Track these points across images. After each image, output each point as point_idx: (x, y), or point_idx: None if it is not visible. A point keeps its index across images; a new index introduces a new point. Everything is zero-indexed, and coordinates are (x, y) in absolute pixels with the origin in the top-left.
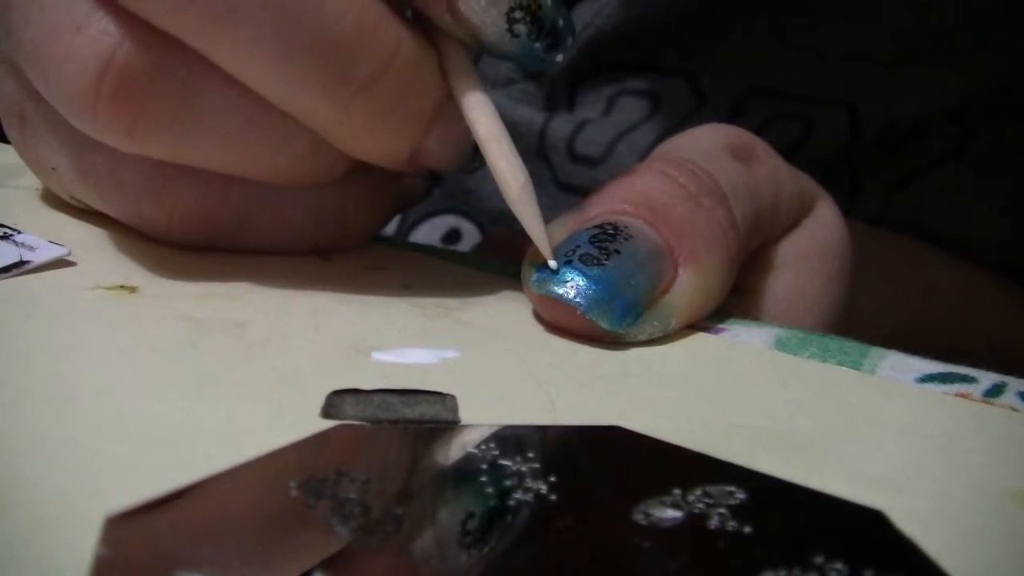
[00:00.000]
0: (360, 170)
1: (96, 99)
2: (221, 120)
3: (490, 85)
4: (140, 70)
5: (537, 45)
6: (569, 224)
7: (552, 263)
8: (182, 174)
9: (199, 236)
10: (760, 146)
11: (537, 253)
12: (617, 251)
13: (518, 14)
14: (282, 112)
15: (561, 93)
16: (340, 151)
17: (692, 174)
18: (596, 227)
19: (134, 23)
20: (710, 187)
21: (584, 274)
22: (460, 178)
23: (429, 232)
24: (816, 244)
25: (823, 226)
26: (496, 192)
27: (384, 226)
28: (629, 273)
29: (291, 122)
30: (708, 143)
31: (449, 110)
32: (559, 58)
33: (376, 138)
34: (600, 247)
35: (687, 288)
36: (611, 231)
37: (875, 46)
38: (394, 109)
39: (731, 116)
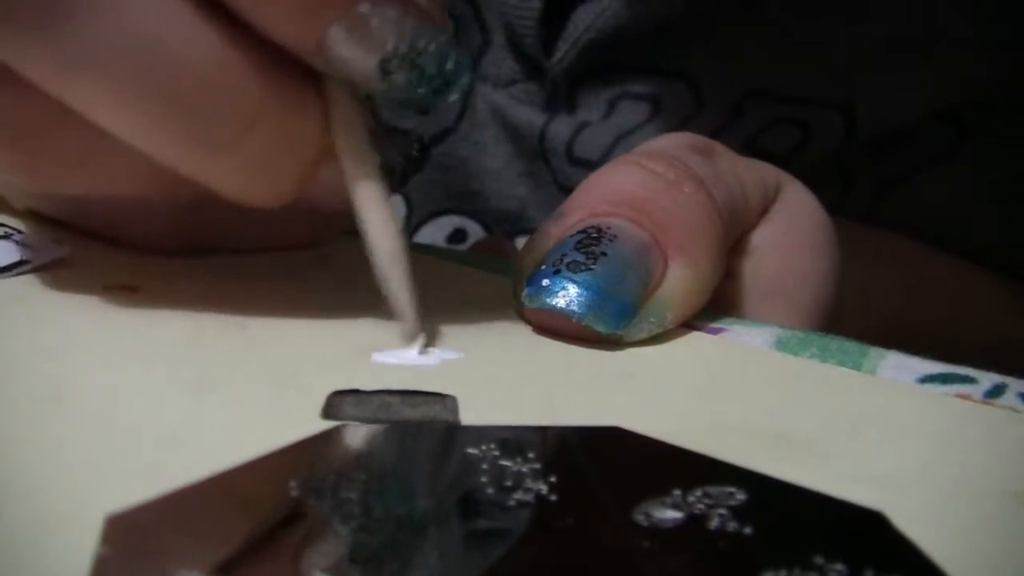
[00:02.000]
0: (332, 159)
1: None
2: (121, 157)
3: (491, 85)
4: (25, 118)
5: (421, 91)
6: (552, 233)
7: (416, 342)
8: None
9: (179, 248)
10: (717, 145)
11: (526, 268)
12: (604, 253)
13: (394, 64)
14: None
15: (562, 94)
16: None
17: (668, 163)
18: (579, 232)
19: (9, 72)
20: (687, 173)
21: (574, 281)
22: (465, 179)
23: (435, 231)
24: (793, 222)
25: (796, 205)
26: (500, 193)
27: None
28: (619, 274)
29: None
30: (670, 143)
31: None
32: (452, 98)
33: (246, 191)
34: (586, 252)
35: (679, 280)
36: (595, 234)
37: (871, 48)
38: (264, 164)
39: (730, 119)
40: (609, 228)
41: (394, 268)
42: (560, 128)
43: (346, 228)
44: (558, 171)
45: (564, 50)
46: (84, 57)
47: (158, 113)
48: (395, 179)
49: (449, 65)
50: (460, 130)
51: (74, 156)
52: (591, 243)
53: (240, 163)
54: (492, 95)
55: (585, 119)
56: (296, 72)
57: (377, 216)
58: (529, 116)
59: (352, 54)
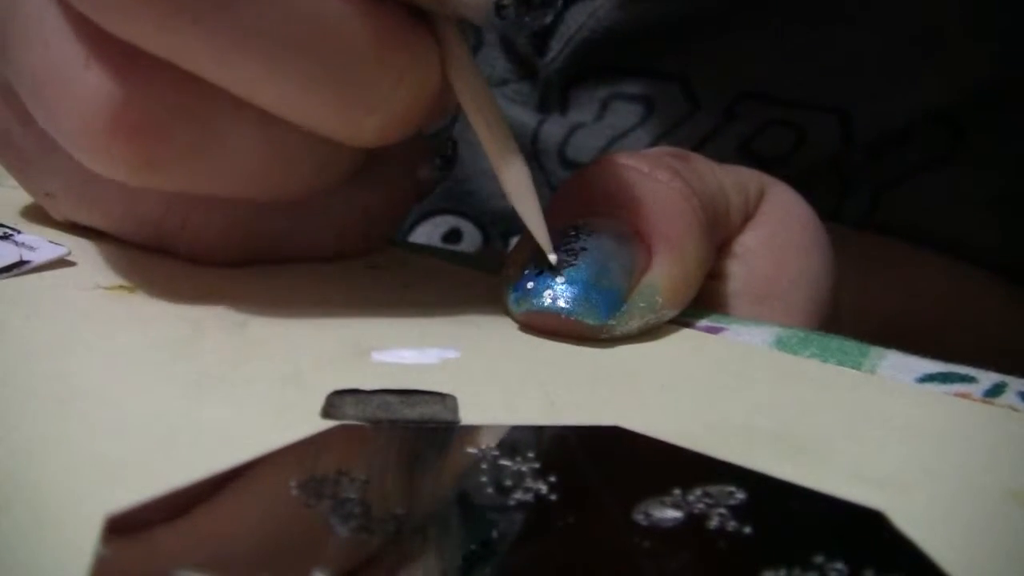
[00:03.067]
0: (376, 177)
1: (110, 138)
2: (238, 149)
3: None
4: (155, 107)
5: (526, 20)
6: (533, 240)
7: (553, 259)
8: (204, 207)
9: (225, 262)
10: (692, 153)
11: (511, 276)
12: (584, 248)
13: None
14: (298, 132)
15: (554, 94)
16: (353, 160)
17: (642, 157)
18: (558, 234)
19: (143, 58)
20: (661, 164)
21: (557, 279)
22: (460, 179)
23: (430, 231)
24: (781, 223)
25: (782, 206)
26: (495, 193)
27: (402, 222)
28: (601, 265)
29: (307, 144)
30: (646, 151)
31: (445, 93)
32: (548, 20)
33: (385, 138)
34: (567, 250)
35: (664, 265)
36: (573, 233)
37: (867, 51)
38: (406, 114)
39: (724, 121)
40: (587, 224)
41: (523, 193)
42: (553, 129)
43: (392, 236)
44: (551, 173)
45: (557, 50)
46: (245, 39)
47: (316, 84)
48: (433, 182)
49: None
50: (454, 131)
51: (190, 149)
52: (571, 241)
53: (387, 119)
54: None
55: (578, 120)
56: (411, 19)
57: (501, 146)
58: (522, 117)
59: None
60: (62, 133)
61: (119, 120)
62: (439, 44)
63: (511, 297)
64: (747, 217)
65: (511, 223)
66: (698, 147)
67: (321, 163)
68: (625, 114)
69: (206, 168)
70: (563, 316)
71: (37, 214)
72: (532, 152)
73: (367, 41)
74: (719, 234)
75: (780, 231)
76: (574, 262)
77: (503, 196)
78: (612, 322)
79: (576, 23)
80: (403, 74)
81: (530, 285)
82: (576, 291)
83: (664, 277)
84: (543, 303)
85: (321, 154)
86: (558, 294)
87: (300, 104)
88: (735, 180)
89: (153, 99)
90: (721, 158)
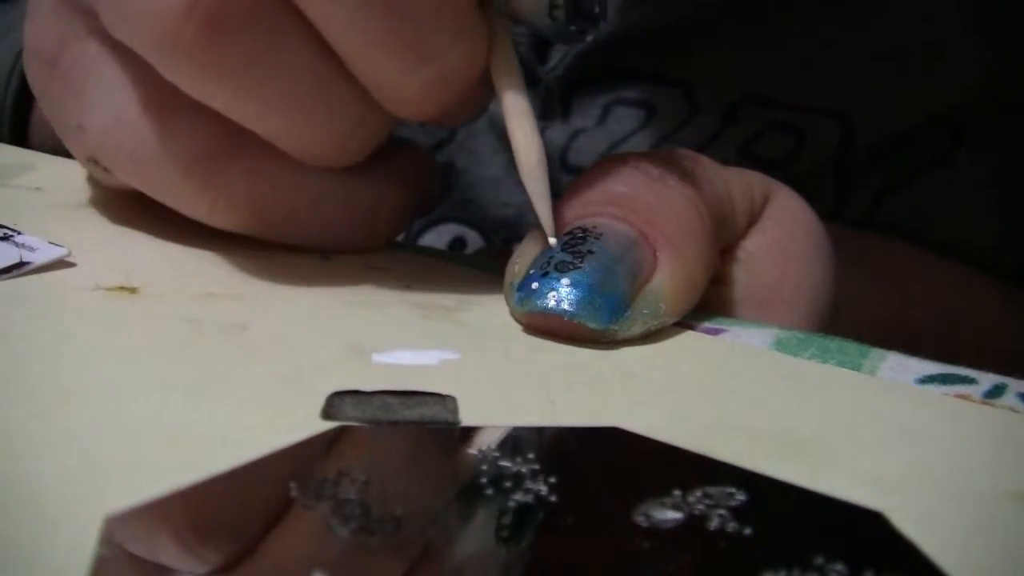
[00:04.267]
0: (391, 170)
1: (181, 31)
2: (292, 75)
3: None
4: (231, 7)
5: (572, 28)
6: (539, 238)
7: (552, 240)
8: (238, 158)
9: (239, 225)
10: (700, 155)
11: (515, 275)
12: (591, 251)
13: (560, 3)
14: (347, 79)
15: (556, 101)
16: (376, 134)
17: (652, 158)
18: (566, 235)
19: None
20: (671, 168)
21: (562, 281)
22: (464, 188)
23: (435, 239)
24: (786, 229)
25: (787, 212)
26: (499, 202)
27: (407, 226)
28: (607, 269)
29: (350, 91)
30: (655, 152)
31: (482, 79)
32: (588, 38)
33: (423, 105)
34: (573, 252)
35: (669, 271)
36: (580, 234)
37: (867, 55)
38: (449, 81)
39: (724, 125)
40: (595, 227)
41: (537, 176)
42: (554, 136)
43: (394, 239)
44: (553, 179)
45: (557, 57)
46: None
47: (385, 15)
48: (436, 198)
49: (597, 8)
50: (457, 139)
51: (251, 58)
52: (577, 243)
53: (438, 74)
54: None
55: (579, 126)
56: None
57: (526, 134)
58: None
59: None
60: (135, 25)
61: (194, 15)
62: (491, 36)
63: (515, 296)
64: (751, 222)
65: (514, 231)
66: (699, 150)
67: (355, 123)
68: (626, 119)
69: (258, 84)
70: (566, 319)
71: (37, 214)
72: None
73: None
74: (724, 239)
75: (784, 237)
76: (580, 265)
77: (506, 205)
78: (615, 327)
79: None
80: (458, 36)
81: (534, 285)
82: (580, 294)
83: (669, 284)
84: (547, 304)
85: (357, 111)
86: (562, 296)
87: (362, 33)
88: (741, 185)
89: (229, 1)
90: (721, 161)
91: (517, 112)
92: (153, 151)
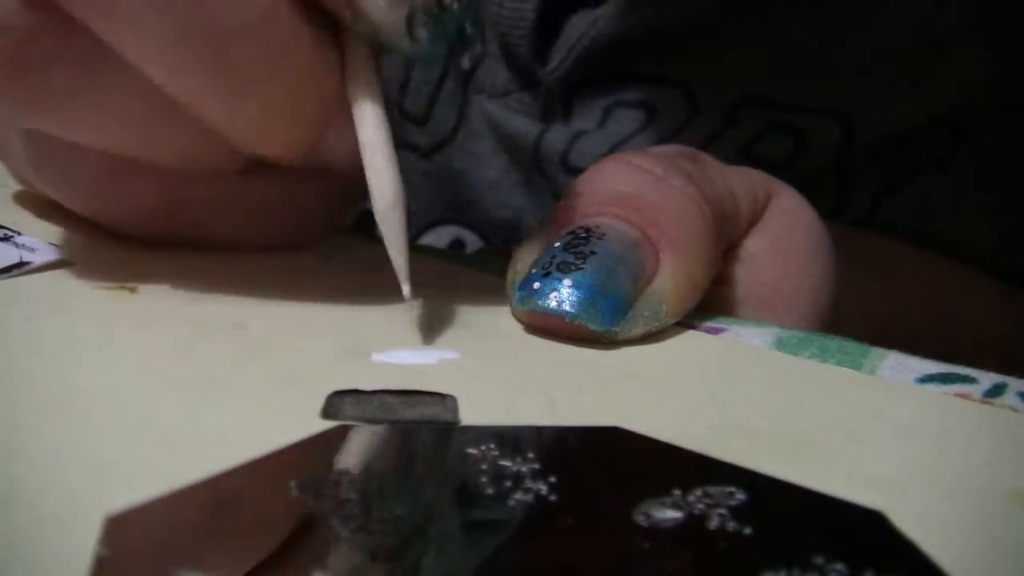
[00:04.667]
0: (311, 166)
1: None
2: (120, 100)
3: (486, 95)
4: (38, 46)
5: (438, 49)
6: (543, 238)
7: (406, 290)
8: (137, 171)
9: (157, 232)
10: (703, 153)
11: (517, 274)
12: (593, 252)
13: (420, 17)
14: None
15: (557, 103)
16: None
17: (655, 158)
18: (568, 235)
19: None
20: (675, 168)
21: (564, 281)
22: (462, 190)
23: (433, 241)
24: (787, 229)
25: (789, 212)
26: (498, 204)
27: (346, 219)
28: (609, 270)
29: (190, 121)
30: (658, 150)
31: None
32: (464, 63)
33: (265, 138)
34: (575, 252)
35: (671, 273)
36: (583, 235)
37: (868, 55)
38: (284, 111)
39: (725, 126)
40: (598, 227)
41: (392, 220)
42: (555, 138)
43: (327, 232)
44: (553, 181)
45: (558, 59)
46: (137, 5)
47: (191, 50)
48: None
49: (468, 27)
50: (456, 141)
51: (69, 95)
52: (580, 243)
53: (263, 107)
54: (487, 105)
55: (580, 128)
56: (318, 21)
57: (380, 168)
58: (524, 126)
59: (381, 8)
60: None
61: (2, 56)
62: (345, 57)
63: (516, 295)
64: (753, 221)
65: (513, 233)
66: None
67: (213, 144)
68: (627, 120)
69: (85, 116)
70: (567, 320)
71: (37, 214)
72: (534, 160)
73: (247, 17)
74: (726, 238)
75: (785, 237)
76: (582, 265)
77: (506, 207)
78: (616, 328)
79: (577, 32)
80: (283, 68)
81: (536, 285)
82: (582, 295)
83: (671, 285)
84: (548, 305)
85: (207, 139)
86: (563, 297)
87: (174, 74)
88: (744, 184)
89: (37, 41)
90: (722, 161)
91: (371, 146)
92: (62, 178)
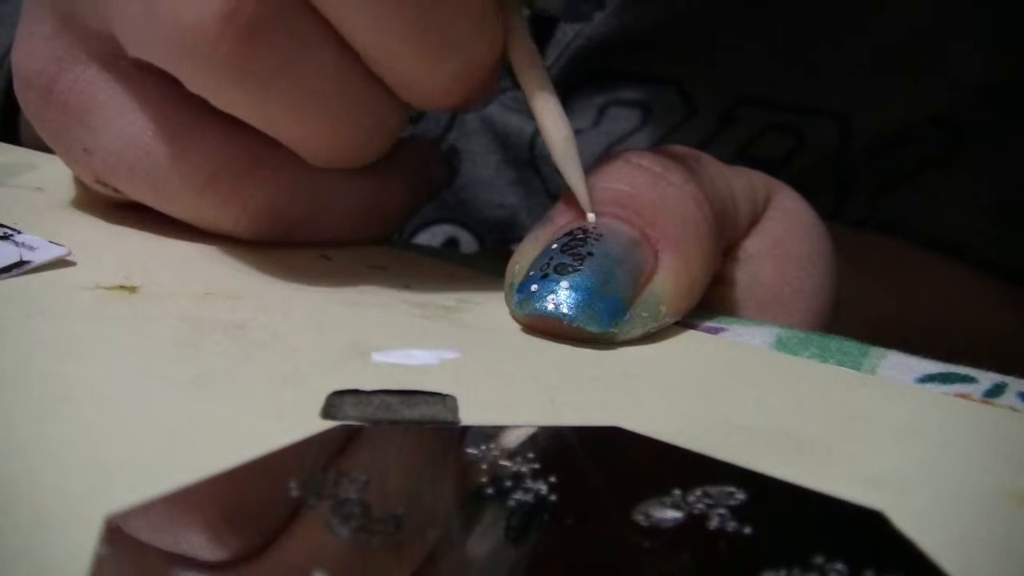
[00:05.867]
0: (393, 161)
1: (220, 40)
2: (316, 78)
3: None
4: (265, 14)
5: (583, 5)
6: (540, 238)
7: (591, 217)
8: (253, 173)
9: (265, 234)
10: (702, 154)
11: (515, 275)
12: (590, 253)
13: None
14: (369, 80)
15: None
16: (393, 133)
17: (654, 156)
18: (566, 235)
19: None
20: (674, 166)
21: (561, 284)
22: (457, 189)
23: (428, 241)
24: (787, 230)
25: (789, 213)
26: (492, 203)
27: (414, 212)
28: (607, 272)
29: (372, 91)
30: (658, 148)
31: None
32: (596, 15)
33: (449, 96)
34: (572, 254)
35: (670, 273)
36: (580, 236)
37: (865, 55)
38: (473, 71)
39: (722, 126)
40: (595, 228)
41: (568, 155)
42: None
43: (406, 221)
44: (548, 179)
45: (553, 58)
46: None
47: (406, 10)
48: (440, 183)
49: None
50: (449, 139)
51: (281, 64)
52: (577, 244)
53: (463, 65)
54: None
55: (576, 127)
56: None
57: (551, 113)
58: (519, 124)
59: None
60: (168, 32)
61: (232, 19)
62: (506, 19)
63: (514, 298)
64: (754, 221)
65: (507, 232)
66: None
67: (375, 122)
68: (623, 120)
69: (285, 88)
70: (565, 322)
71: (37, 214)
72: (530, 159)
73: None
74: (726, 238)
75: (785, 239)
76: (579, 267)
77: (500, 205)
78: (614, 330)
79: (572, 31)
80: (480, 25)
81: (534, 288)
82: (579, 298)
83: (669, 286)
84: (546, 307)
85: (379, 110)
86: (561, 300)
87: (387, 34)
88: (745, 184)
89: (263, 7)
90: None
91: (541, 93)
92: (169, 172)
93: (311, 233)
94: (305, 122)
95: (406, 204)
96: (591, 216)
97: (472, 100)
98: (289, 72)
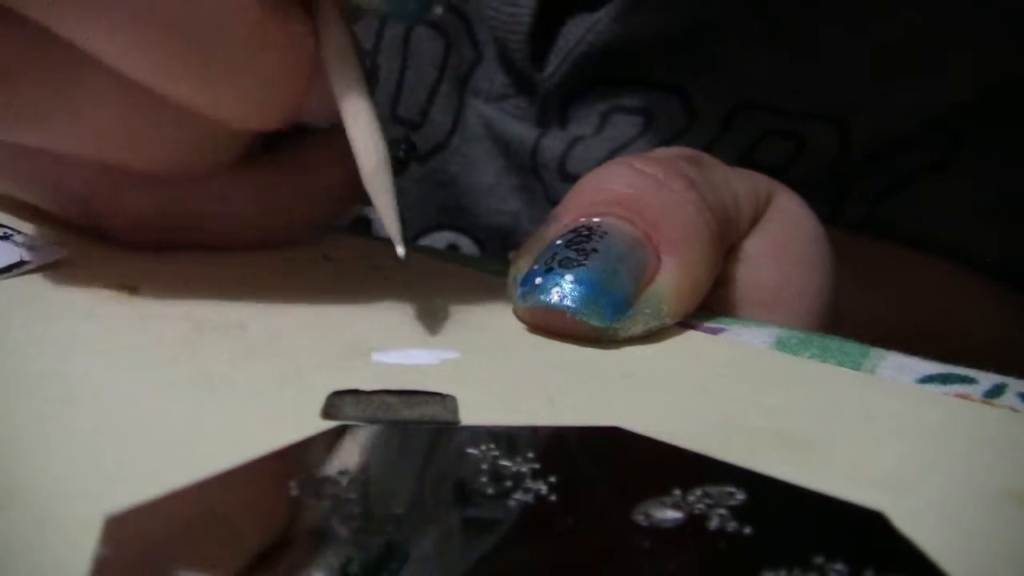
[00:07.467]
0: (308, 159)
1: None
2: (96, 109)
3: (483, 100)
4: (10, 57)
5: (410, 5)
6: (544, 235)
7: (401, 251)
8: (133, 179)
9: (153, 237)
10: (706, 155)
11: (520, 270)
12: (595, 250)
13: None
14: (159, 99)
15: (554, 109)
16: (235, 135)
17: (658, 163)
18: (570, 232)
19: None
20: (677, 172)
21: (566, 277)
22: (457, 195)
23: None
24: (788, 232)
25: (789, 215)
26: (492, 209)
27: (338, 215)
28: (611, 268)
29: (167, 107)
30: (661, 153)
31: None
32: (438, 10)
33: (252, 119)
34: (577, 249)
35: (672, 274)
36: (585, 232)
37: (864, 60)
38: (267, 85)
39: (723, 131)
40: (600, 226)
41: (379, 181)
42: (552, 143)
43: (319, 229)
44: (550, 187)
45: (555, 64)
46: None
47: (166, 41)
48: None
49: None
50: (451, 145)
51: (38, 103)
52: (582, 240)
53: (245, 88)
54: (484, 110)
55: (577, 134)
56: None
57: (364, 131)
58: (521, 131)
59: None
60: None
61: None
62: (318, 25)
63: (518, 291)
64: (754, 222)
65: (509, 238)
66: None
67: (200, 134)
68: (624, 126)
69: (61, 126)
70: (568, 315)
71: (37, 214)
72: (531, 166)
73: (213, 2)
74: (728, 242)
75: (786, 240)
76: (584, 262)
77: (501, 212)
78: (616, 326)
79: (574, 37)
80: (258, 47)
81: (538, 280)
82: (584, 291)
83: (671, 287)
84: (550, 300)
85: (196, 127)
86: (566, 292)
87: (148, 69)
88: (747, 186)
89: (7, 50)
90: None
91: (352, 110)
92: (52, 189)
93: (201, 236)
94: (101, 149)
95: (317, 207)
96: (400, 251)
97: (307, 110)
98: (59, 104)
